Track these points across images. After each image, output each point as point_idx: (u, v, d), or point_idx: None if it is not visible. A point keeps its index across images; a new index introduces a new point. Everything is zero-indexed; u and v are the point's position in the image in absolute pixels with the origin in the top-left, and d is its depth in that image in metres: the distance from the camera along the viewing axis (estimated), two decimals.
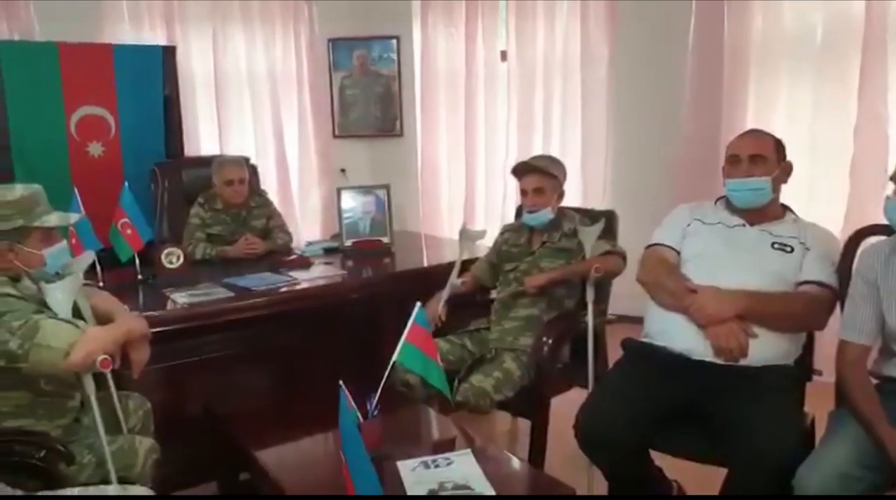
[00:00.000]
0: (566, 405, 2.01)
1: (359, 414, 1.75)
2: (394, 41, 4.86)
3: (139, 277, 2.75)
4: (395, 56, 4.88)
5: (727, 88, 3.58)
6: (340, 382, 1.59)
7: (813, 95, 3.36)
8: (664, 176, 3.94)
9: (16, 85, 3.27)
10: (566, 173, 2.57)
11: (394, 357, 1.73)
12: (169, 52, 3.90)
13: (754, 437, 1.66)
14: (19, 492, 1.51)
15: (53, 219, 1.77)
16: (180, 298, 2.48)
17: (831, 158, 3.28)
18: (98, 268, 2.57)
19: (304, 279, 2.77)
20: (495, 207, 4.71)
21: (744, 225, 2.01)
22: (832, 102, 3.27)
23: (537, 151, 4.33)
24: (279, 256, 3.14)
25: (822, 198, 3.30)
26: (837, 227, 3.04)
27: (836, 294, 1.88)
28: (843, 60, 3.20)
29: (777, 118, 3.46)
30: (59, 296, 1.71)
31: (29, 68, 3.31)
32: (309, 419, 2.05)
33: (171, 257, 2.77)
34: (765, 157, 1.95)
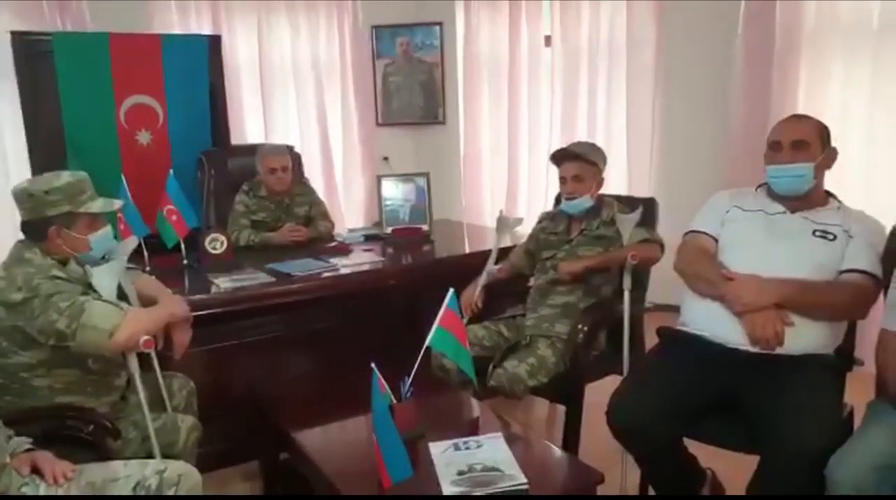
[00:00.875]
0: (602, 393, 2.01)
1: (392, 397, 1.80)
2: (437, 27, 4.88)
3: (184, 262, 2.84)
4: (438, 42, 4.90)
5: (777, 73, 3.50)
6: (372, 364, 1.64)
7: (871, 80, 3.24)
8: (711, 163, 3.88)
9: (69, 75, 3.38)
10: (606, 160, 2.56)
11: (427, 341, 1.77)
12: (215, 42, 3.98)
13: (788, 426, 1.65)
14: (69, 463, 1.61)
15: (98, 205, 1.85)
16: (223, 282, 2.55)
17: (889, 145, 3.17)
18: (145, 253, 2.68)
19: (344, 266, 2.83)
20: (538, 196, 4.69)
21: (785, 212, 1.98)
22: (890, 88, 3.15)
23: (581, 138, 4.27)
24: (321, 242, 3.20)
25: (879, 186, 3.20)
26: (892, 218, 2.93)
27: (879, 283, 1.83)
28: None
29: (830, 104, 3.36)
30: (104, 279, 1.81)
31: (81, 58, 3.42)
32: (347, 401, 2.11)
33: (215, 243, 2.85)
34: (807, 142, 1.92)
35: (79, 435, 1.76)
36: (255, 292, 2.52)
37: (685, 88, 4.09)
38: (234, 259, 2.86)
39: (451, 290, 1.83)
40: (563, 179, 2.52)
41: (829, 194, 2.03)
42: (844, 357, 1.95)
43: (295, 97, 4.66)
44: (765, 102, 3.55)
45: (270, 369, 2.56)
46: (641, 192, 4.04)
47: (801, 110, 3.32)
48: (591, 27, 4.37)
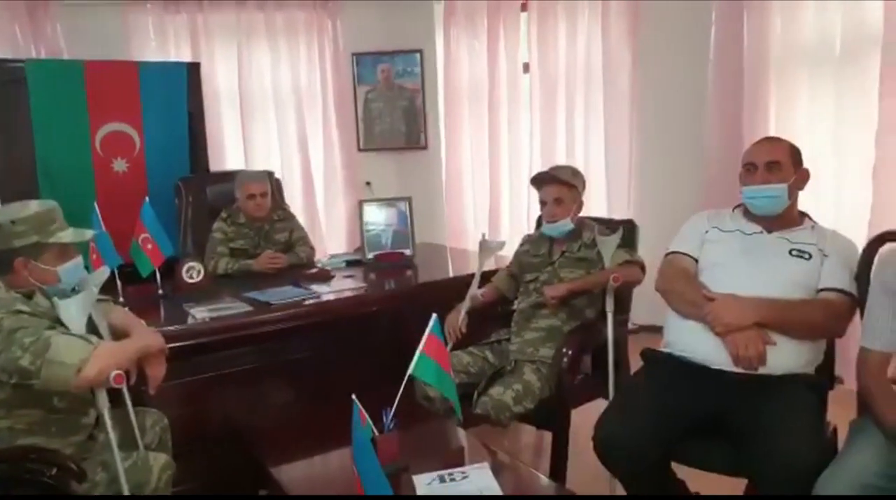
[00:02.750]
0: (589, 417, 1.99)
1: (373, 428, 1.76)
2: (417, 55, 4.92)
3: (160, 291, 2.78)
4: (418, 70, 4.94)
5: (748, 96, 3.55)
6: (353, 396, 1.61)
7: (834, 101, 3.30)
8: (688, 185, 3.91)
9: (42, 103, 3.35)
10: (585, 183, 2.57)
11: (409, 369, 1.73)
12: (193, 69, 4.00)
13: (775, 447, 1.63)
14: None
15: (69, 235, 1.79)
16: (200, 312, 2.50)
17: (855, 164, 3.22)
18: (119, 283, 2.62)
19: (325, 292, 2.79)
20: (520, 219, 4.71)
21: (762, 232, 2.00)
22: (853, 108, 3.21)
23: (560, 161, 4.32)
24: (301, 269, 3.16)
25: (847, 205, 3.24)
26: (863, 233, 2.97)
27: (855, 301, 1.85)
28: (862, 66, 3.14)
29: (799, 125, 3.41)
30: (73, 312, 1.72)
31: (55, 86, 3.39)
32: (328, 433, 2.04)
33: (192, 272, 2.81)
34: (780, 163, 1.95)
35: (40, 479, 1.65)
36: (233, 322, 2.47)
37: (661, 111, 4.14)
38: (211, 288, 2.82)
39: (434, 316, 1.80)
40: (543, 202, 2.52)
41: (802, 214, 2.05)
42: (825, 376, 1.95)
43: (276, 123, 4.68)
44: (737, 125, 3.60)
45: (249, 401, 2.50)
46: (620, 214, 4.07)
47: (772, 131, 3.39)
48: (568, 54, 4.42)
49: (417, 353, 1.75)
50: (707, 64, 3.77)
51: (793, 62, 3.44)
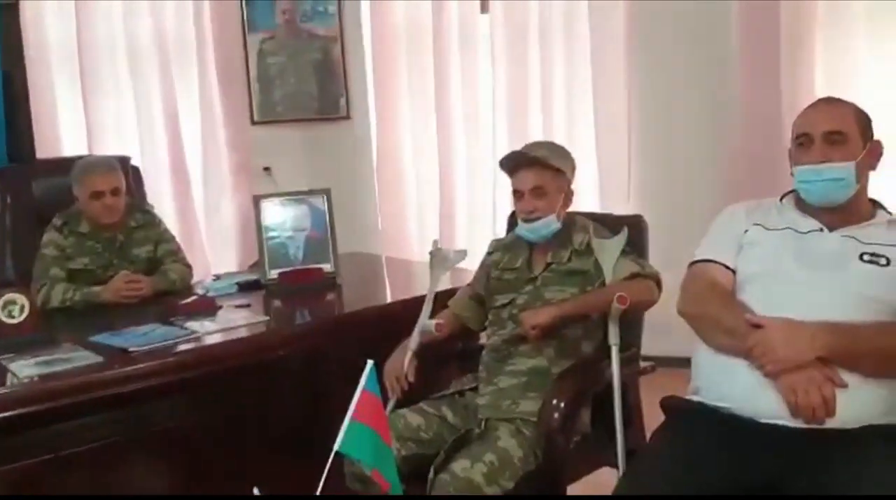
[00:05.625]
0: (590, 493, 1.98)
1: None
2: None
3: None
4: (335, 9, 4.96)
5: (787, 43, 3.65)
6: (255, 489, 1.57)
7: None
8: (707, 167, 4.02)
9: None
10: (575, 166, 2.58)
11: (336, 445, 1.69)
12: (9, 12, 3.94)
13: None
14: None
15: None
16: (24, 368, 2.43)
17: None
18: None
19: (210, 332, 2.75)
20: (482, 216, 4.78)
21: (821, 229, 2.02)
22: None
23: (534, 135, 4.41)
24: (173, 298, 3.12)
25: None
26: None
27: None
28: None
29: (858, 84, 3.50)
30: None
31: None
32: None
33: (12, 308, 2.69)
34: (845, 134, 1.97)
35: None
36: (76, 381, 2.39)
37: (668, 66, 4.22)
38: (41, 330, 2.73)
39: (370, 363, 1.75)
40: (518, 193, 2.52)
41: (875, 204, 2.09)
42: None
43: (132, 89, 4.61)
44: (773, 82, 3.70)
45: (104, 490, 2.46)
46: (618, 207, 4.10)
47: (818, 91, 3.47)
48: None
49: (347, 420, 1.70)
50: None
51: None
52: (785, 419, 1.84)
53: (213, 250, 4.78)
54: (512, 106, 4.58)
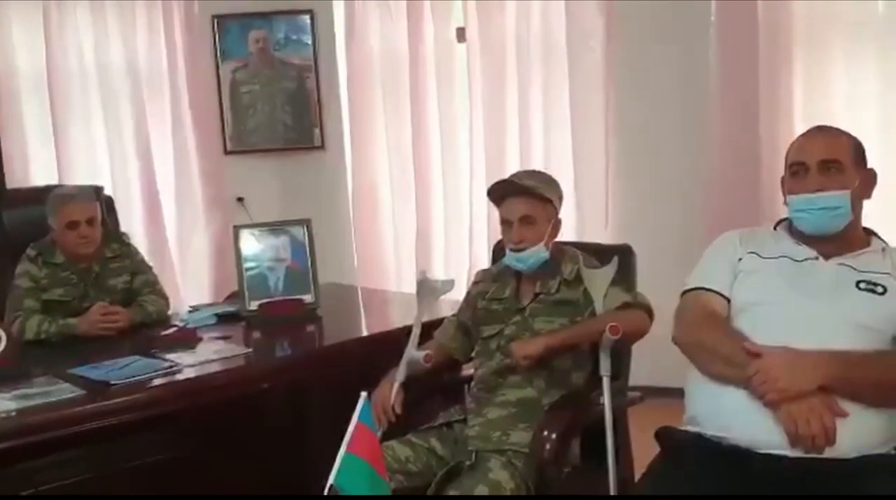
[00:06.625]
0: None
1: None
2: (307, 17, 4.95)
3: None
4: (309, 38, 4.96)
5: (765, 72, 3.68)
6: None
7: (879, 76, 3.45)
8: (685, 196, 4.04)
9: None
10: (562, 195, 2.59)
11: (330, 479, 1.68)
12: None
13: None
14: None
15: None
16: (2, 402, 2.39)
17: None
18: None
19: (191, 364, 2.71)
20: (459, 247, 4.74)
21: (817, 258, 2.02)
22: None
23: (512, 164, 4.40)
24: (151, 330, 3.08)
25: None
26: None
27: None
28: None
29: (834, 110, 3.55)
30: None
31: None
32: None
33: None
34: (840, 163, 1.98)
35: None
36: (56, 415, 2.35)
37: (646, 94, 4.25)
38: (16, 363, 2.68)
39: (364, 394, 1.76)
40: (507, 223, 2.51)
41: (868, 232, 2.10)
42: None
43: (102, 118, 4.61)
44: (751, 109, 3.73)
45: None
46: (595, 235, 4.15)
47: (798, 122, 3.52)
48: (519, 15, 4.51)
49: (341, 452, 1.69)
50: (708, 29, 3.87)
51: (822, 26, 3.57)
52: (784, 449, 1.83)
53: (186, 281, 4.76)
54: (489, 135, 4.57)
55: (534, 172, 2.68)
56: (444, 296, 2.78)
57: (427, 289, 2.65)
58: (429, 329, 2.71)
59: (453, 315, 2.73)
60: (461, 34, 4.66)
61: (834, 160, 1.98)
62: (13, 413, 2.32)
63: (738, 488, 1.84)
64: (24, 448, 2.28)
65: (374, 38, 4.82)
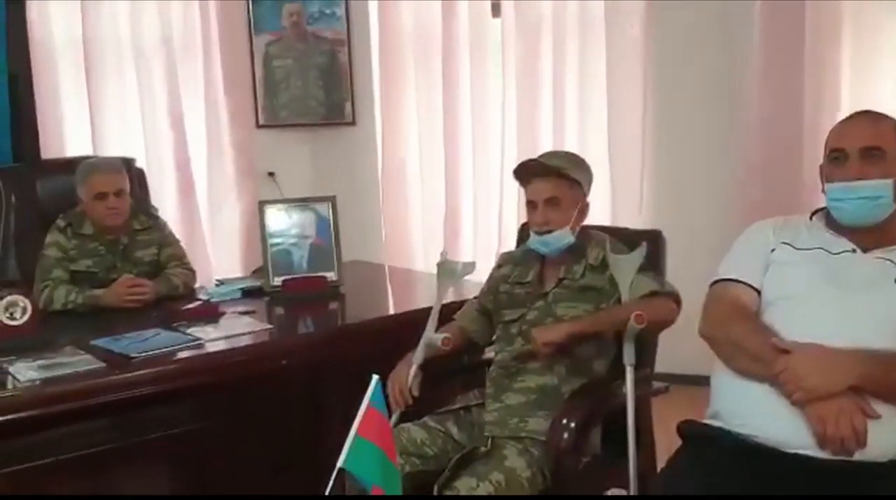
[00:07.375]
0: None
1: None
2: None
3: None
4: (342, 12, 4.94)
5: (810, 51, 3.61)
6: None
7: None
8: (722, 182, 3.99)
9: None
10: (592, 178, 2.55)
11: (339, 461, 1.65)
12: (16, 12, 3.93)
13: None
14: None
15: None
16: (25, 371, 2.42)
17: None
18: None
19: (212, 339, 2.75)
20: (488, 228, 4.74)
21: (854, 251, 1.97)
22: None
23: (545, 143, 4.41)
24: (176, 303, 3.11)
25: None
26: None
27: None
28: None
29: (882, 97, 3.47)
30: None
31: None
32: None
33: (14, 310, 2.68)
34: (883, 150, 1.92)
35: None
36: (76, 386, 2.38)
37: (685, 73, 4.20)
38: (42, 333, 2.72)
39: (376, 377, 1.72)
40: (532, 204, 2.47)
41: None
42: None
43: (137, 90, 4.59)
44: (796, 91, 3.66)
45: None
46: (629, 220, 4.10)
47: (845, 105, 3.43)
48: None
49: (351, 435, 1.67)
50: (752, 9, 3.81)
51: (872, 5, 3.51)
52: (811, 450, 1.79)
53: (217, 254, 4.78)
54: (522, 114, 4.55)
55: (563, 152, 2.68)
56: (469, 277, 2.77)
57: (447, 271, 2.64)
58: (451, 311, 2.71)
59: (475, 298, 2.71)
60: (496, 9, 4.64)
61: (876, 147, 1.92)
62: (37, 383, 2.38)
63: (762, 487, 1.81)
64: (45, 417, 2.35)
65: (406, 13, 4.82)
